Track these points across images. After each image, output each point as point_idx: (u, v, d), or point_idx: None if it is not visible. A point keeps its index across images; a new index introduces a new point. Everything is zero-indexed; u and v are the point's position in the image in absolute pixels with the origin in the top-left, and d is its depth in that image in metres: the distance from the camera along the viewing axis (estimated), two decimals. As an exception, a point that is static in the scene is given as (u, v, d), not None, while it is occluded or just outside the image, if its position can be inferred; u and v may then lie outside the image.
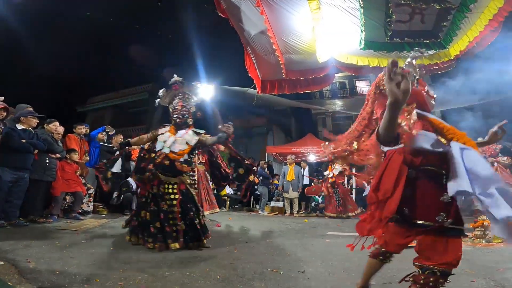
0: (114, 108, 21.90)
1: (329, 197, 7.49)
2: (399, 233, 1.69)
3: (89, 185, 5.51)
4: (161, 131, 3.31)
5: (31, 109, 4.44)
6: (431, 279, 1.49)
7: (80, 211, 5.16)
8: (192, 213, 3.18)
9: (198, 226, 3.18)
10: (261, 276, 2.35)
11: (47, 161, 4.51)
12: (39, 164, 4.38)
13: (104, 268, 2.40)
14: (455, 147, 1.47)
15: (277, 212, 8.50)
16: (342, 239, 4.05)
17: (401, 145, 1.51)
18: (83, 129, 5.76)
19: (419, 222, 1.56)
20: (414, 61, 2.01)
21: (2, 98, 3.89)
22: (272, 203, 8.99)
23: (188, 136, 3.28)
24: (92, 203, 5.54)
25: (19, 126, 4.15)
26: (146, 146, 3.57)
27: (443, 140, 1.54)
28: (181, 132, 3.29)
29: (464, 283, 2.18)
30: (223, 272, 2.41)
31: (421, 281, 1.51)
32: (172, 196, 3.18)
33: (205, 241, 3.21)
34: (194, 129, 3.36)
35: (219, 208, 9.19)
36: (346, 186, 7.63)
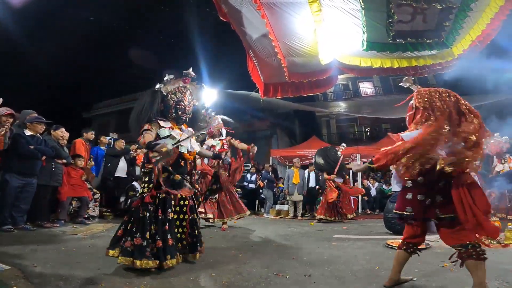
0: (119, 113, 22.10)
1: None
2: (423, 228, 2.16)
3: (94, 190, 5.55)
4: (162, 124, 2.77)
5: (36, 114, 4.48)
6: (471, 250, 1.91)
7: (86, 216, 5.19)
8: (195, 222, 2.89)
9: (197, 236, 2.85)
10: (267, 281, 2.32)
11: (53, 166, 4.56)
12: (45, 169, 4.42)
13: (110, 273, 2.40)
14: None
15: (282, 215, 8.47)
16: (348, 242, 4.01)
17: None
18: (93, 135, 5.83)
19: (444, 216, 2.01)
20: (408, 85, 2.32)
21: (1, 100, 3.89)
22: (277, 206, 8.97)
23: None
24: (98, 208, 5.58)
25: (27, 132, 4.20)
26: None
27: None
28: (188, 130, 2.91)
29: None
30: (228, 277, 2.40)
31: (470, 252, 1.90)
32: (182, 202, 2.81)
33: (198, 254, 2.82)
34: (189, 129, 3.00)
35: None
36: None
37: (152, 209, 2.58)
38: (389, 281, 2.17)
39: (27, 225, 4.14)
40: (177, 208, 2.79)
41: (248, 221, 7.13)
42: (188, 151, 2.84)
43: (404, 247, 2.16)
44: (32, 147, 4.10)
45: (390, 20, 4.33)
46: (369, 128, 20.84)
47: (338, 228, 5.72)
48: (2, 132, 3.79)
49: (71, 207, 5.02)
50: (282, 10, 4.70)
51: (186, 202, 2.82)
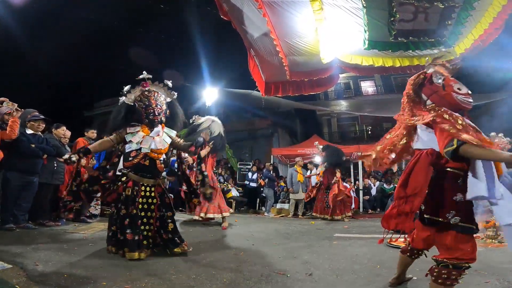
0: (120, 112, 22.05)
1: (318, 198, 7.48)
2: (422, 229, 1.89)
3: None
4: (129, 130, 3.01)
5: (37, 113, 4.48)
6: (444, 271, 1.64)
7: (88, 214, 5.19)
8: (167, 219, 3.02)
9: (171, 233, 3.01)
10: (268, 279, 2.33)
11: (55, 165, 4.56)
12: (47, 168, 4.42)
13: (111, 271, 2.40)
14: None
15: (283, 214, 8.48)
16: (349, 240, 4.01)
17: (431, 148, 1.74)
18: (94, 134, 5.81)
19: (426, 216, 1.77)
20: (440, 62, 2.05)
21: (6, 100, 3.92)
22: (278, 205, 8.97)
23: (165, 134, 3.10)
24: (99, 206, 5.58)
25: (28, 131, 4.21)
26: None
27: None
28: (156, 130, 3.04)
29: (478, 284, 2.14)
30: (229, 275, 2.40)
31: (435, 274, 1.68)
32: (150, 200, 2.96)
33: (184, 247, 3.01)
34: (167, 129, 3.16)
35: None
36: (343, 188, 7.57)
37: (118, 206, 2.92)
38: (394, 279, 2.17)
39: (29, 224, 4.14)
40: (145, 206, 2.94)
41: (249, 219, 7.15)
42: (152, 150, 2.95)
43: (408, 253, 2.10)
44: (33, 145, 4.10)
45: (392, 19, 4.32)
46: (370, 127, 20.79)
47: (339, 227, 5.73)
48: (15, 115, 3.80)
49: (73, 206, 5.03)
50: (283, 9, 4.69)
51: (155, 201, 2.99)
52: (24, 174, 4.04)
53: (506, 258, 2.81)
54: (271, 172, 9.72)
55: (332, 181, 7.21)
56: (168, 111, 3.18)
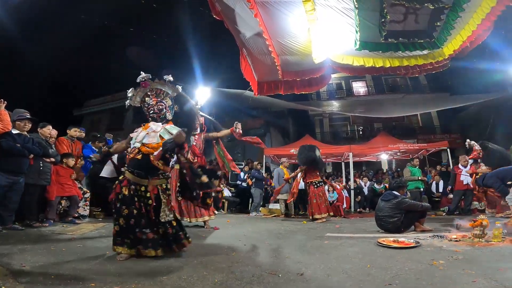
0: (111, 111, 21.80)
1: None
2: None
3: (85, 189, 5.46)
4: (135, 131, 3.06)
5: (28, 114, 4.40)
6: None
7: (76, 215, 5.11)
8: (166, 224, 2.90)
9: (171, 234, 2.92)
10: (260, 279, 2.32)
11: (41, 165, 4.47)
12: (33, 168, 4.33)
13: (100, 273, 2.36)
14: None
15: (275, 214, 8.48)
16: (340, 240, 4.04)
17: None
18: (77, 132, 5.66)
19: None
20: None
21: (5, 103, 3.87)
22: (270, 205, 8.95)
23: (163, 130, 3.00)
24: (88, 207, 5.49)
25: (14, 131, 4.11)
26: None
27: None
28: (154, 126, 3.00)
29: (465, 284, 2.17)
30: (221, 276, 2.39)
31: None
32: (145, 201, 2.87)
33: (185, 244, 2.98)
34: (169, 126, 3.06)
35: (217, 211, 9.20)
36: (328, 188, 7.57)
37: (117, 205, 2.86)
38: None
39: (16, 225, 4.06)
40: (142, 205, 2.87)
41: (240, 219, 7.13)
42: (143, 144, 2.91)
43: None
44: (19, 145, 4.01)
45: (383, 20, 4.37)
46: (361, 127, 21.05)
47: (330, 227, 5.76)
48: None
49: (61, 207, 4.93)
50: (276, 9, 4.69)
51: (150, 202, 2.86)
52: (10, 174, 3.95)
53: (493, 257, 2.87)
54: (260, 172, 9.64)
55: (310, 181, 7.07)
56: (176, 106, 3.18)
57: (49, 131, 4.82)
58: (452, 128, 18.99)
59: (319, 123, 21.43)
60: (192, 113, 3.34)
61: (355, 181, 10.67)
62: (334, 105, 18.81)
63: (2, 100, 3.84)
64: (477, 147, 6.32)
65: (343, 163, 12.35)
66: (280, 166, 8.79)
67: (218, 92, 11.29)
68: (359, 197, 10.32)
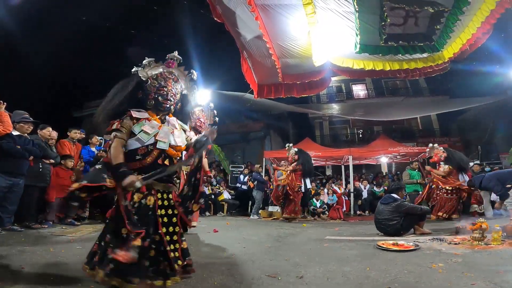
0: (111, 113, 21.72)
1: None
2: None
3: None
4: (135, 115, 2.16)
5: (27, 115, 4.40)
6: None
7: (76, 217, 5.10)
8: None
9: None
10: (259, 282, 2.32)
11: (41, 166, 4.47)
12: (33, 170, 4.33)
13: (99, 275, 2.35)
14: None
15: (275, 217, 8.46)
16: (340, 243, 4.03)
17: None
18: (77, 134, 5.65)
19: None
20: None
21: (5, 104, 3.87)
22: (270, 208, 8.93)
23: (180, 127, 2.34)
24: (88, 209, 5.48)
25: (14, 133, 4.11)
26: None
27: None
28: (171, 120, 2.31)
29: (465, 286, 2.17)
30: (220, 278, 2.38)
31: None
32: (170, 211, 2.10)
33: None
34: (173, 118, 2.35)
35: (217, 213, 9.19)
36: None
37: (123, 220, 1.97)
38: None
39: (15, 226, 4.05)
40: (165, 219, 2.11)
41: (240, 222, 7.12)
42: (172, 147, 2.18)
43: None
44: (19, 147, 4.01)
45: (383, 23, 4.39)
46: (361, 130, 21.07)
47: (330, 229, 5.75)
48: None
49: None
50: (276, 12, 4.72)
51: (176, 212, 2.15)
52: (10, 176, 3.95)
53: (493, 260, 2.86)
54: (261, 175, 9.64)
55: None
56: (179, 105, 2.46)
57: (49, 132, 4.81)
58: (451, 131, 19.03)
59: (319, 126, 21.46)
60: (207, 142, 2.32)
61: (354, 184, 10.65)
62: (334, 108, 18.82)
63: (1, 101, 3.85)
64: (437, 150, 7.04)
65: (343, 166, 12.33)
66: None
67: (219, 94, 11.31)
68: (359, 200, 10.31)
